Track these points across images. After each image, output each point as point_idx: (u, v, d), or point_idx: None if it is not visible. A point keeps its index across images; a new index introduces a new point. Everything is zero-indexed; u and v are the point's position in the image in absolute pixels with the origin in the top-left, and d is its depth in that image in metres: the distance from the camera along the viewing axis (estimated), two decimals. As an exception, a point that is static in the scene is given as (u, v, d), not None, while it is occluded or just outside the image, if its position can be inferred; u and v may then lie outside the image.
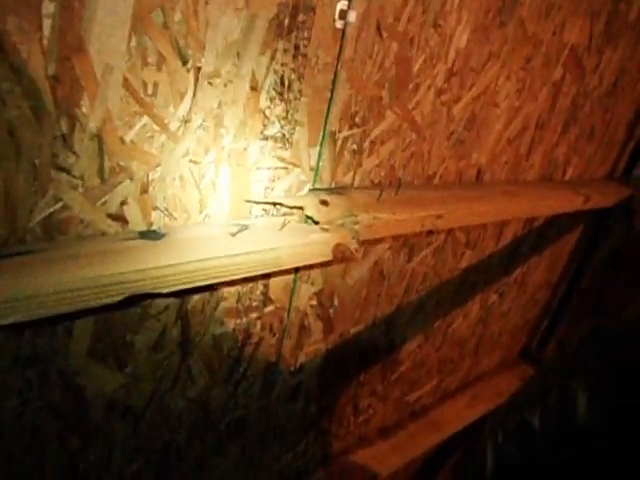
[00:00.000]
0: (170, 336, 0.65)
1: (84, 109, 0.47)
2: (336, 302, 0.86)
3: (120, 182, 0.52)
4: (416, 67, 0.75)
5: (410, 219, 0.73)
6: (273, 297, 0.75)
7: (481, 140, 0.95)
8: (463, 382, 1.47)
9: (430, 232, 0.95)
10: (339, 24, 0.61)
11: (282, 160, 0.65)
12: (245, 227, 0.61)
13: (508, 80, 0.92)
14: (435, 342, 1.23)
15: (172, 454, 0.76)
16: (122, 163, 0.51)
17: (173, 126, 0.53)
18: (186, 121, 0.53)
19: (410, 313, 1.07)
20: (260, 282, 0.71)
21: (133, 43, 0.47)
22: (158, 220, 0.56)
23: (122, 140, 0.50)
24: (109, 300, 0.46)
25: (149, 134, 0.51)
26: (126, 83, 0.48)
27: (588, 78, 1.13)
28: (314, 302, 0.82)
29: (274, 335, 0.78)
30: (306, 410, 0.95)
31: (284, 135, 0.63)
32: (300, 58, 0.60)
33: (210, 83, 0.54)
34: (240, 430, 0.83)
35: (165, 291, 0.50)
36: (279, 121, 0.61)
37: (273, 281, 0.73)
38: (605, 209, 1.32)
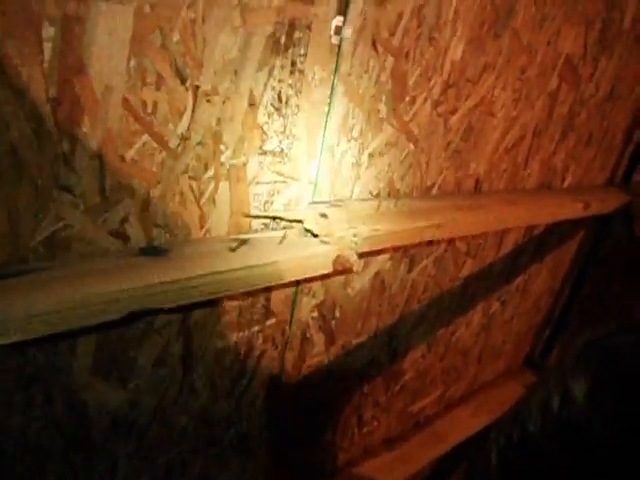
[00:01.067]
0: (173, 351, 0.65)
1: (85, 129, 0.47)
2: (338, 313, 0.86)
3: (121, 200, 0.52)
4: (412, 80, 0.75)
5: (410, 230, 0.73)
6: (274, 310, 0.75)
7: (478, 150, 0.95)
8: (467, 391, 1.47)
9: (430, 242, 0.95)
10: (335, 40, 0.62)
11: (281, 174, 0.65)
12: (245, 242, 0.62)
13: (504, 90, 0.93)
14: (438, 351, 1.22)
15: (176, 469, 0.75)
16: (123, 181, 0.51)
17: (172, 143, 0.53)
18: (185, 138, 0.53)
19: (412, 323, 1.07)
20: (261, 295, 0.71)
21: (132, 64, 0.48)
22: (159, 236, 0.56)
23: (122, 158, 0.50)
24: (112, 317, 0.47)
25: (149, 152, 0.52)
26: (126, 103, 0.49)
27: (584, 86, 1.13)
28: (315, 314, 0.82)
29: (276, 348, 0.78)
30: (310, 422, 0.95)
31: (283, 150, 0.63)
32: (297, 74, 0.61)
33: (208, 100, 0.54)
34: (244, 444, 0.83)
35: (167, 307, 0.50)
36: (277, 136, 0.62)
37: (274, 294, 0.73)
38: (605, 215, 1.32)
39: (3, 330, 0.41)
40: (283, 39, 0.57)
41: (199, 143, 0.55)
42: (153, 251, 0.55)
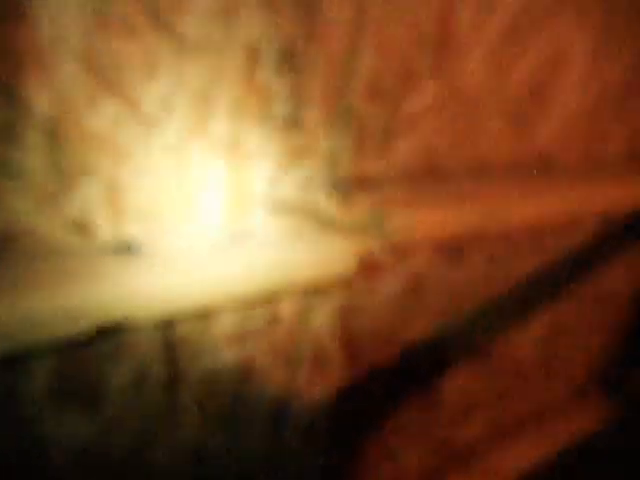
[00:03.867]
0: (153, 373, 0.64)
1: (30, 93, 0.45)
2: (361, 324, 0.86)
3: (82, 183, 0.51)
4: (463, 23, 0.73)
5: (456, 217, 0.74)
6: (281, 320, 0.75)
7: (547, 114, 0.93)
8: (525, 418, 1.46)
9: (483, 233, 0.96)
10: (361, -30, 0.60)
11: (289, 147, 0.64)
12: (244, 235, 0.63)
13: (582, 37, 0.89)
14: (489, 369, 1.22)
15: (159, 516, 0.75)
16: (83, 159, 0.50)
17: (149, 110, 0.52)
18: (165, 103, 0.53)
19: (456, 335, 1.07)
20: (264, 302, 0.71)
21: (93, 5, 0.46)
22: (132, 230, 0.56)
23: (82, 130, 0.49)
24: (75, 332, 0.47)
25: (117, 121, 0.51)
26: (85, 57, 0.47)
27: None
28: (333, 324, 0.82)
29: (283, 367, 0.78)
30: (326, 457, 0.95)
31: (291, 115, 0.63)
32: (311, 17, 0.59)
33: (195, 53, 0.53)
34: (245, 483, 0.83)
35: (145, 320, 0.50)
36: (285, 98, 0.61)
37: (281, 299, 0.73)
38: None
39: None
40: (293, -30, 0.55)
41: (183, 108, 0.54)
42: (125, 249, 0.55)
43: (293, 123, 0.64)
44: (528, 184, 0.89)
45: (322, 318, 0.81)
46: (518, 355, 1.30)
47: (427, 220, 0.72)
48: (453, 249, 0.95)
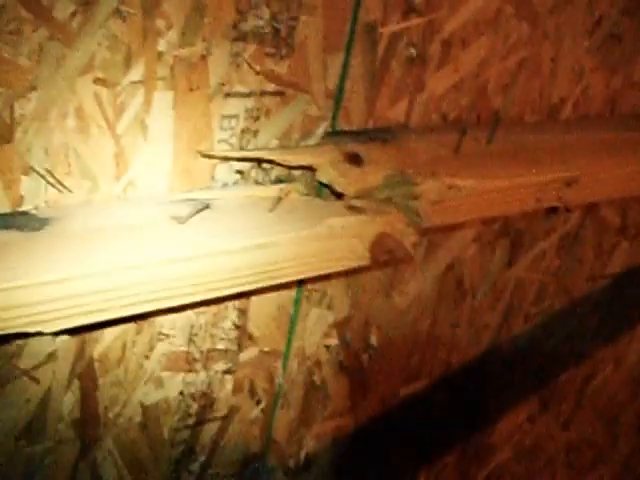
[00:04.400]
0: (59, 409, 0.57)
1: None
2: (374, 340, 0.80)
3: None
4: None
5: (515, 187, 0.67)
6: (256, 333, 0.67)
7: None
8: None
9: (553, 210, 0.87)
10: None
11: (274, 78, 0.58)
12: (204, 206, 0.55)
13: None
14: (561, 411, 1.14)
15: None
16: None
17: (61, 13, 0.45)
18: (86, 2, 0.45)
19: (513, 357, 1.00)
20: (232, 305, 0.64)
21: None
22: (35, 194, 0.49)
23: None
24: None
25: (12, 28, 0.44)
26: None
27: None
28: (333, 341, 0.75)
29: (257, 402, 0.71)
30: None
31: (277, 31, 0.56)
32: None
33: None
34: None
35: (49, 329, 0.44)
36: (268, 4, 0.54)
37: (256, 302, 0.66)
38: None
39: None
40: None
41: (115, 12, 0.47)
42: (24, 221, 0.48)
43: (280, 42, 0.55)
44: (623, 139, 0.81)
45: (317, 333, 0.74)
46: (603, 393, 1.20)
47: (473, 192, 0.64)
48: (510, 234, 0.88)
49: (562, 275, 0.98)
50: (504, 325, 0.94)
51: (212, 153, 0.56)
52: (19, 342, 0.51)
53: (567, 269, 0.99)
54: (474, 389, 0.97)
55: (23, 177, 0.47)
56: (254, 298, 0.65)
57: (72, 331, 0.48)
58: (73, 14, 0.44)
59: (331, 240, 0.55)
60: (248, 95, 0.56)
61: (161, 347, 0.61)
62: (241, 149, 0.58)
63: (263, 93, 0.57)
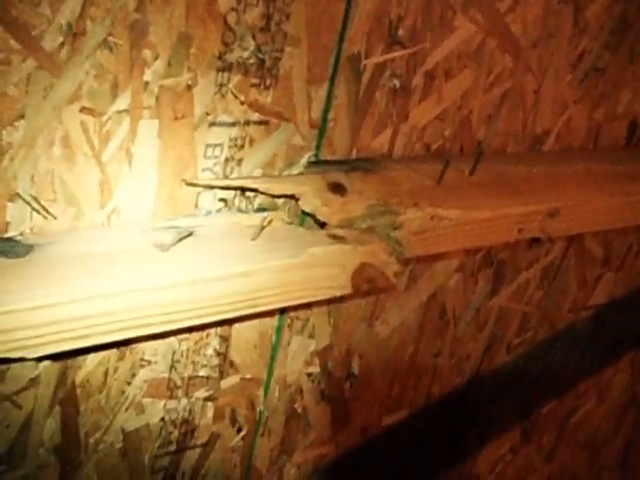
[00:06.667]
0: (40, 433, 0.57)
1: None
2: (356, 369, 0.80)
3: None
4: None
5: (498, 218, 0.68)
6: (237, 360, 0.68)
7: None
8: None
9: (535, 241, 0.87)
10: None
11: (258, 108, 0.58)
12: (188, 233, 0.55)
13: None
14: (544, 442, 1.14)
15: None
16: None
17: (49, 44, 0.45)
18: (74, 33, 0.46)
19: (495, 387, 0.99)
20: (214, 332, 0.64)
21: None
22: (20, 220, 0.50)
23: None
24: None
25: (1, 58, 0.44)
26: None
27: None
28: (315, 369, 0.75)
29: (239, 430, 0.71)
30: None
31: (262, 61, 0.56)
32: None
33: None
34: None
35: (32, 355, 0.44)
36: (253, 36, 0.55)
37: (238, 330, 0.66)
38: None
39: None
40: None
41: (102, 43, 0.48)
42: (8, 248, 0.48)
43: (264, 73, 0.56)
44: (608, 170, 0.82)
45: (298, 361, 0.74)
46: (587, 425, 1.20)
47: (456, 222, 0.64)
48: (493, 264, 0.88)
49: (545, 306, 0.99)
50: (486, 355, 0.95)
51: (196, 181, 0.57)
52: (1, 367, 0.51)
53: (550, 300, 0.99)
54: (456, 419, 0.97)
55: (9, 204, 0.48)
56: (236, 325, 0.66)
57: (55, 357, 0.48)
58: (61, 45, 0.45)
59: (313, 269, 0.55)
60: (232, 124, 0.57)
61: (143, 373, 0.61)
62: (225, 177, 0.59)
63: (247, 122, 0.58)
